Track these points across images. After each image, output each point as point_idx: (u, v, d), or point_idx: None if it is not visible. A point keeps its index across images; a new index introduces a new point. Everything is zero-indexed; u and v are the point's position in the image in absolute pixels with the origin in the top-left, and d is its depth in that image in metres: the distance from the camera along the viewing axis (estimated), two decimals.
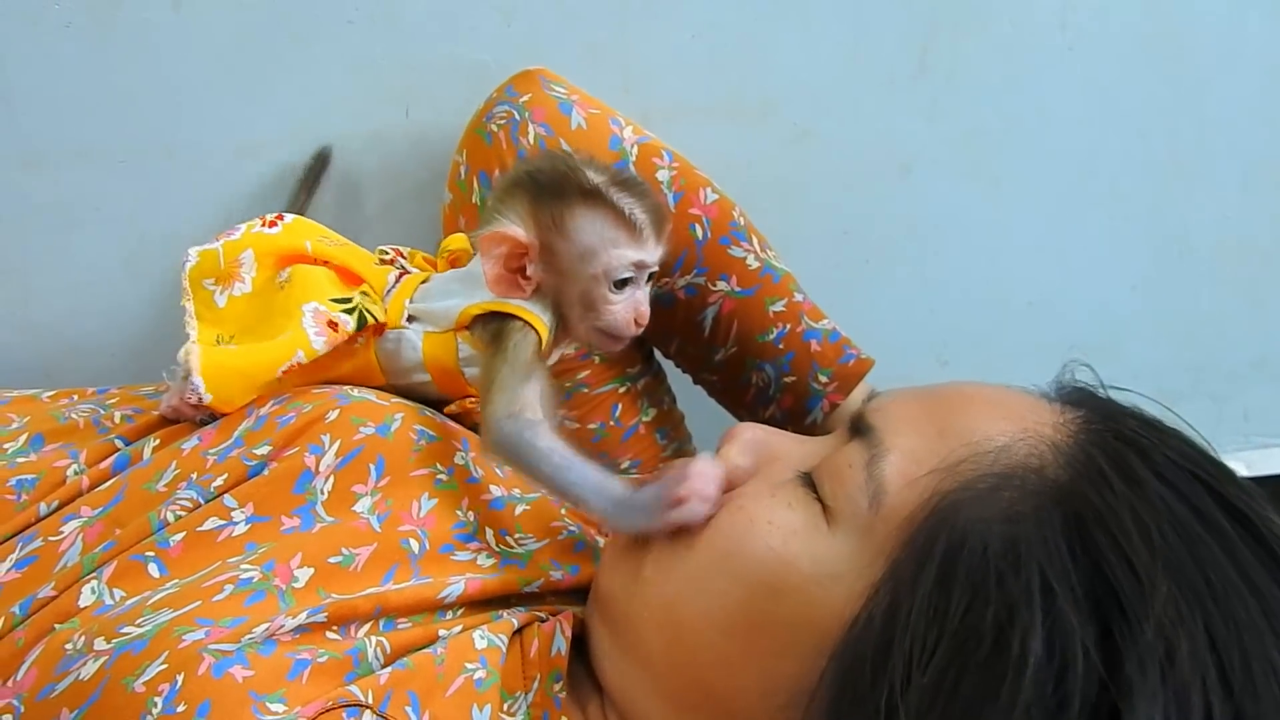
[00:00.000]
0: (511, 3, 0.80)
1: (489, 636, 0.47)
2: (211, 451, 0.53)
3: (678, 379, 0.79)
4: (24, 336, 0.81)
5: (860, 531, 0.43)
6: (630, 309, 0.56)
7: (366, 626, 0.47)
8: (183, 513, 0.50)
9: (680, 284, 0.71)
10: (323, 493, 0.51)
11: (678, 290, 0.72)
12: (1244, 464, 1.07)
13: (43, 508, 0.52)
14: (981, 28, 0.90)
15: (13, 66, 0.75)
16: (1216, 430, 0.45)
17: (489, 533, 0.54)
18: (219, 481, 0.51)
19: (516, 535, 0.55)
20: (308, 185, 0.78)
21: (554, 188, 0.55)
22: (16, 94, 0.76)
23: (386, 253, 0.64)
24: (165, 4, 0.75)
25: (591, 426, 0.73)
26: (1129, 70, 0.95)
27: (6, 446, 0.56)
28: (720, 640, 0.45)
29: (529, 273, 0.55)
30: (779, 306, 0.72)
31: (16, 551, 0.50)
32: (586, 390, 0.72)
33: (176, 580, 0.47)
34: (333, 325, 0.55)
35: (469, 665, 0.45)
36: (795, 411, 0.73)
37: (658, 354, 0.78)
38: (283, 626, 0.44)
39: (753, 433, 0.52)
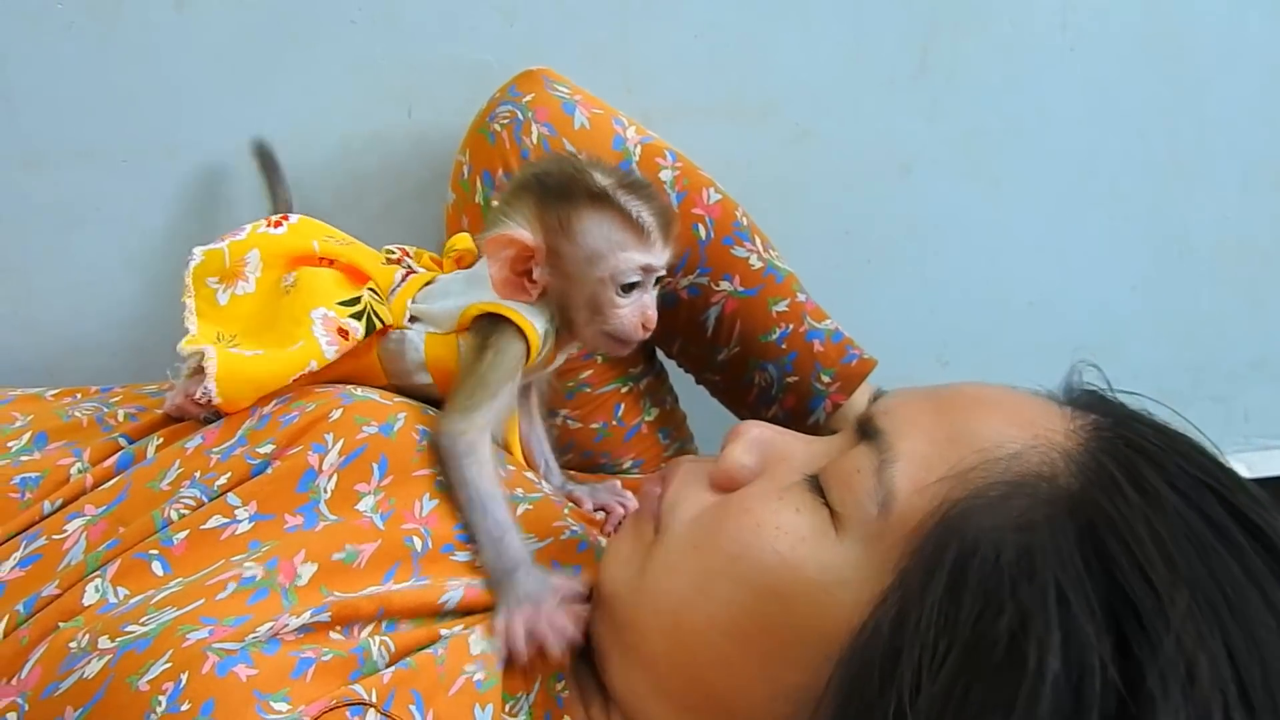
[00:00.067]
0: (514, 3, 0.80)
1: (484, 642, 0.47)
2: (215, 450, 0.53)
3: (680, 379, 0.79)
4: (25, 336, 0.81)
5: (868, 538, 0.43)
6: (637, 313, 0.56)
7: (369, 627, 0.46)
8: (186, 511, 0.50)
9: (683, 284, 0.71)
10: (326, 491, 0.51)
11: (680, 290, 0.72)
12: (1245, 465, 1.06)
13: (46, 506, 0.52)
14: (982, 28, 0.91)
15: (15, 66, 0.75)
16: (1217, 432, 0.45)
17: None
18: (223, 480, 0.51)
19: None
20: (271, 181, 0.77)
21: (561, 190, 0.54)
22: (18, 94, 0.76)
23: (393, 252, 0.63)
24: (168, 4, 0.76)
25: (594, 426, 0.73)
26: (1129, 70, 0.95)
27: (10, 445, 0.56)
28: (724, 644, 0.45)
29: (535, 276, 0.55)
30: (782, 306, 0.72)
31: (20, 550, 0.50)
32: (589, 390, 0.72)
33: (180, 578, 0.47)
34: (343, 333, 0.56)
35: (468, 667, 0.45)
36: (798, 412, 0.73)
37: (660, 354, 0.78)
38: (286, 625, 0.44)
39: (759, 431, 0.51)
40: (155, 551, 0.48)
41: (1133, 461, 0.41)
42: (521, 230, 0.54)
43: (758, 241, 0.72)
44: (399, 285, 0.60)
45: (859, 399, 0.72)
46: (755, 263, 0.72)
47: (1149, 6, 0.93)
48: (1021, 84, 0.93)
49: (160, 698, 0.39)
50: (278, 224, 0.61)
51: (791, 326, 0.72)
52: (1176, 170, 1.00)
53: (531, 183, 0.56)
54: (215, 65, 0.78)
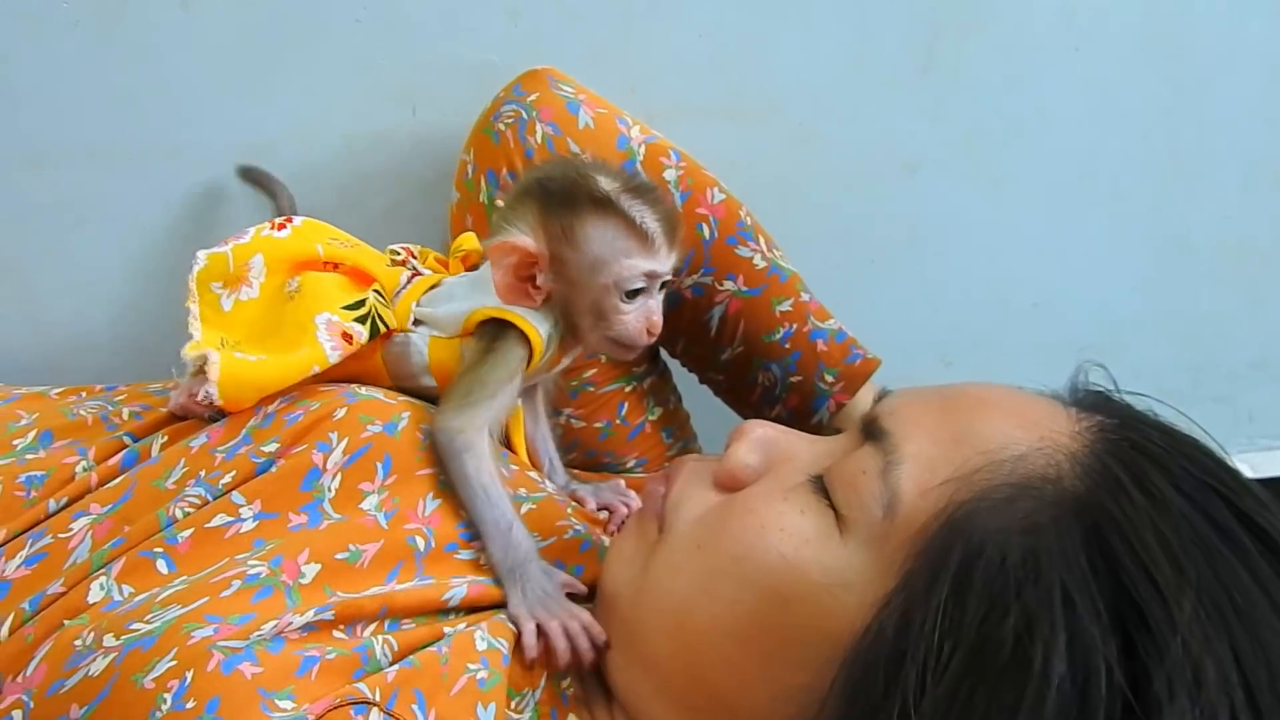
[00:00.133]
0: (518, 3, 0.80)
1: (489, 639, 0.47)
2: (220, 449, 0.53)
3: (684, 378, 0.79)
4: (27, 335, 0.81)
5: (873, 540, 0.43)
6: (642, 318, 0.56)
7: (372, 626, 0.47)
8: (191, 510, 0.50)
9: (687, 283, 0.71)
10: (330, 490, 0.51)
11: (684, 290, 0.72)
12: (1248, 466, 1.06)
13: (52, 504, 0.52)
14: (984, 28, 0.91)
15: (18, 66, 0.75)
16: (1221, 432, 0.45)
17: None
18: (227, 479, 0.51)
19: None
20: (269, 193, 0.77)
21: (564, 196, 0.54)
22: (22, 93, 0.76)
23: (398, 253, 0.63)
24: (173, 3, 0.76)
25: (597, 425, 0.73)
26: (1130, 71, 0.95)
27: (15, 443, 0.56)
28: (727, 644, 0.45)
29: (539, 282, 0.55)
30: (785, 306, 0.72)
31: (26, 548, 0.50)
32: (592, 389, 0.72)
33: (185, 577, 0.47)
34: (347, 337, 0.55)
35: (471, 665, 0.45)
36: (801, 411, 0.73)
37: (663, 353, 0.78)
38: (291, 624, 0.44)
39: (763, 430, 0.51)
40: (160, 550, 0.48)
41: (1138, 464, 0.41)
42: (525, 237, 0.54)
43: (761, 241, 0.72)
44: (404, 288, 0.60)
45: (863, 398, 0.72)
46: (759, 262, 0.72)
47: (1150, 7, 0.93)
48: (1023, 84, 0.93)
49: (165, 695, 0.39)
50: (282, 226, 0.61)
51: (795, 326, 0.72)
52: (1177, 170, 1.00)
53: (535, 188, 0.55)
54: (218, 65, 0.78)
